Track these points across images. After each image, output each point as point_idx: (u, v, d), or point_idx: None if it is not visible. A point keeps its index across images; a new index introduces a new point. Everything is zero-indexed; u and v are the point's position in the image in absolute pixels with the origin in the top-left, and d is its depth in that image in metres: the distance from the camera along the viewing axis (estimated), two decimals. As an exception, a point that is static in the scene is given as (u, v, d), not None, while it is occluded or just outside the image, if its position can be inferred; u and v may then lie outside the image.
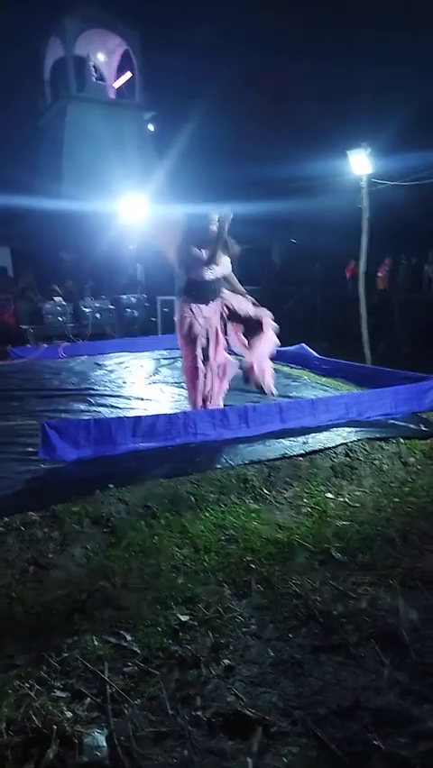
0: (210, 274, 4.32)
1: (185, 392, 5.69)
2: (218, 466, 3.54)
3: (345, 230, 9.57)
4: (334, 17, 20.61)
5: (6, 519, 2.86)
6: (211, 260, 4.28)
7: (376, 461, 3.79)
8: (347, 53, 19.60)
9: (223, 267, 4.42)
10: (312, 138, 15.95)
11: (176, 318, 4.54)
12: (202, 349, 4.45)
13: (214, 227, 4.26)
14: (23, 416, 4.78)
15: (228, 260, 4.49)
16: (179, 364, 7.44)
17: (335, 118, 16.76)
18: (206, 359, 4.48)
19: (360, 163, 7.62)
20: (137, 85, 17.25)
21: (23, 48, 17.89)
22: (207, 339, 4.44)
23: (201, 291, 4.36)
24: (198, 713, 1.70)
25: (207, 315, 4.40)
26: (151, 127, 17.91)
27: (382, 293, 12.79)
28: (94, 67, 17.09)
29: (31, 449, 3.79)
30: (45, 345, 8.85)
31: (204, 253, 4.28)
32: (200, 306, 4.38)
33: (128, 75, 17.60)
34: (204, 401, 4.53)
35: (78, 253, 13.31)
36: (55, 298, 10.50)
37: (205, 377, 4.51)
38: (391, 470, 3.73)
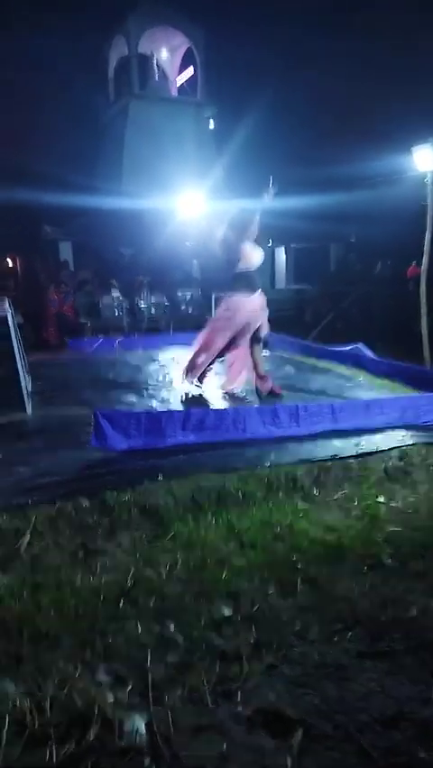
0: (255, 264, 4.56)
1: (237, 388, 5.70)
2: (267, 463, 3.51)
3: (407, 227, 9.28)
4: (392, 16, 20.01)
5: (59, 504, 2.94)
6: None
7: None
8: (412, 44, 19.00)
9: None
10: (375, 133, 15.56)
11: (221, 310, 4.74)
12: (234, 336, 4.72)
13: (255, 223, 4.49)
14: (79, 406, 4.90)
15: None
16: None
17: (398, 112, 16.28)
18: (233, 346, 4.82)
19: (425, 159, 7.37)
20: (199, 82, 17.30)
21: (88, 47, 18.31)
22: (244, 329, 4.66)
23: (250, 281, 4.56)
24: (239, 708, 1.69)
25: (251, 308, 4.60)
26: (211, 123, 17.95)
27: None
28: (156, 64, 17.27)
29: (84, 437, 3.89)
30: (101, 338, 9.04)
31: (249, 246, 4.51)
32: (248, 297, 4.57)
33: (190, 72, 17.69)
34: (200, 377, 4.94)
35: (136, 249, 13.53)
36: (113, 293, 10.70)
37: (212, 362, 4.95)
38: (449, 476, 3.59)
